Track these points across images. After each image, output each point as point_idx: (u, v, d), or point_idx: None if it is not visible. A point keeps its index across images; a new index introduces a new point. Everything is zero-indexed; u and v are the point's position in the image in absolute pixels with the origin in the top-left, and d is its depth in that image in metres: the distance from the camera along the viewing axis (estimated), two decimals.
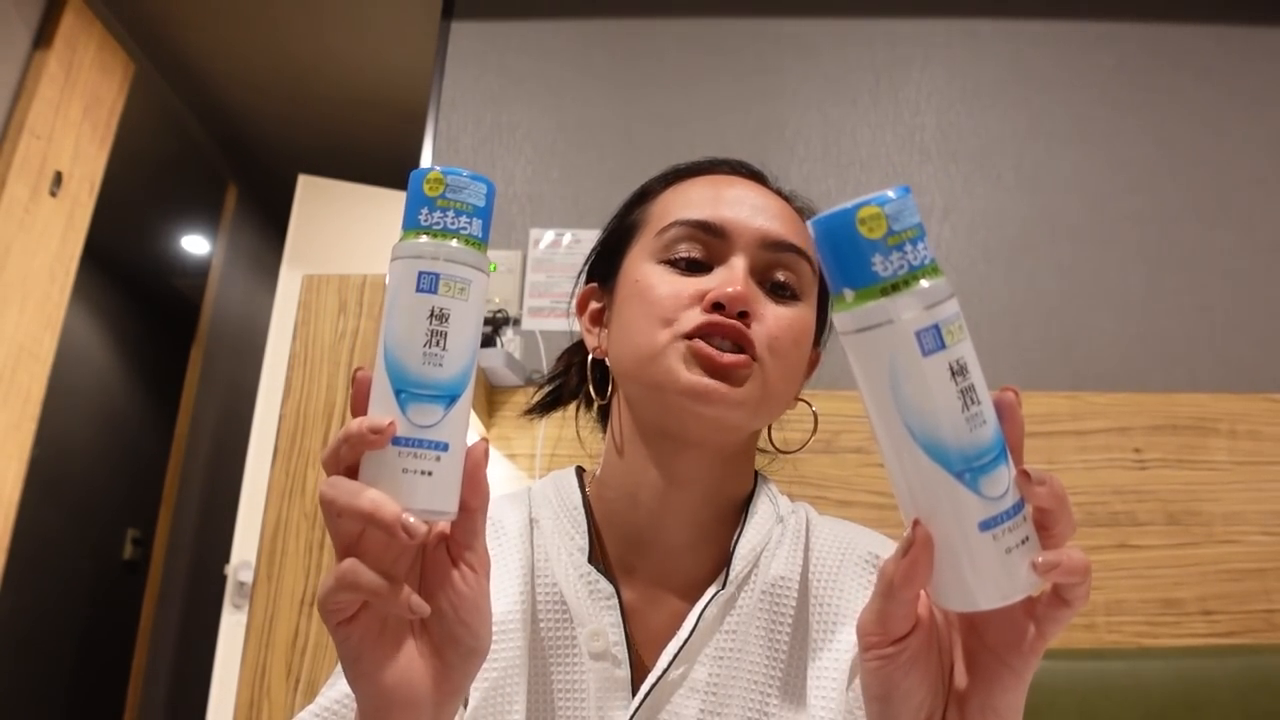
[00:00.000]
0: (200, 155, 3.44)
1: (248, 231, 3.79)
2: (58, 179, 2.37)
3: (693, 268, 0.72)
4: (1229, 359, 1.88)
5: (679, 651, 0.69)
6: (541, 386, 0.87)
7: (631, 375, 0.72)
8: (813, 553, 0.74)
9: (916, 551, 0.43)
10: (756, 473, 0.80)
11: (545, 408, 0.86)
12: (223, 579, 2.63)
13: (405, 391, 0.48)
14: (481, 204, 0.50)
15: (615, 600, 0.71)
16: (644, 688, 0.68)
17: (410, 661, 0.50)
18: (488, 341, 1.86)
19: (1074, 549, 0.44)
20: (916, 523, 0.43)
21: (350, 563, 0.48)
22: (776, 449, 0.83)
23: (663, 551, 0.73)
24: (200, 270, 3.72)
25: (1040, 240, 1.99)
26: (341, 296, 1.39)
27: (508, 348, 1.86)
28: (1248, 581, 1.71)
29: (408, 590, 0.48)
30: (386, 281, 0.50)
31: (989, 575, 0.42)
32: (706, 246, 0.73)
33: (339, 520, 0.47)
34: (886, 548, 0.74)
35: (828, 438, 1.80)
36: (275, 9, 2.76)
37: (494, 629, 0.69)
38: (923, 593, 0.46)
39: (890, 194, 0.42)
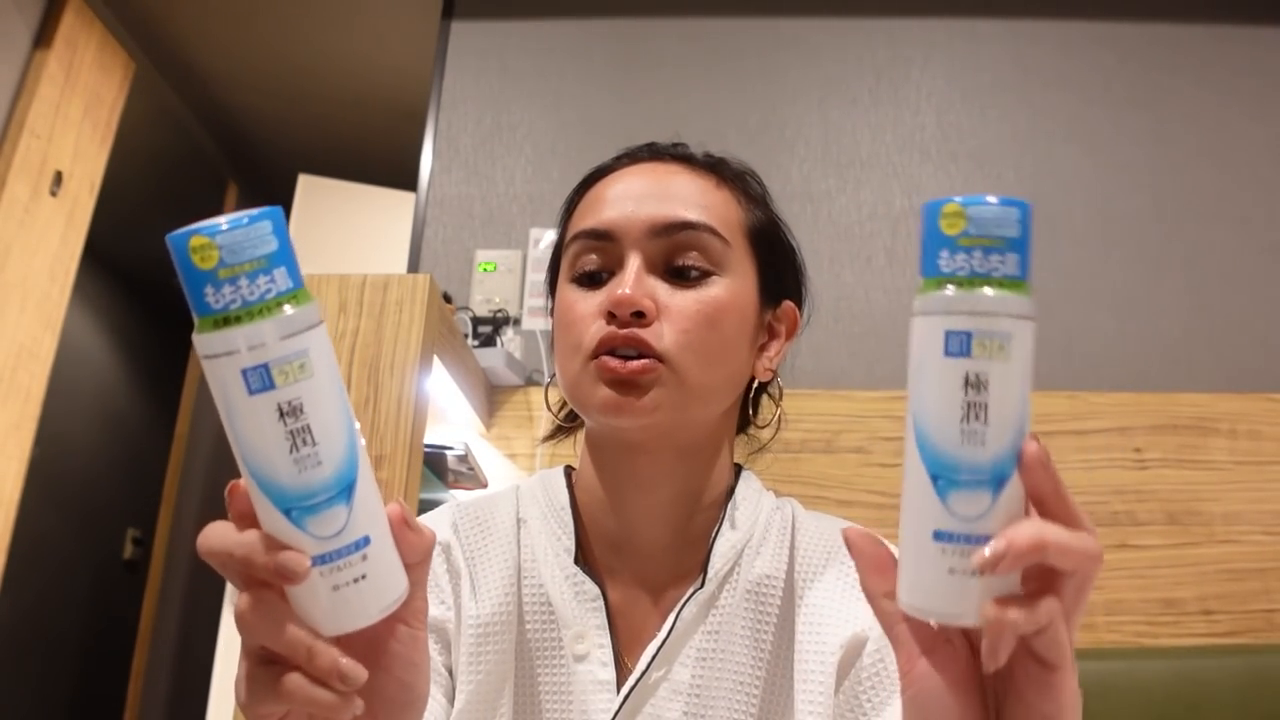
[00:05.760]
0: (200, 155, 3.44)
1: None
2: (58, 179, 2.37)
3: (595, 280, 0.72)
4: (1229, 359, 1.88)
5: (657, 653, 0.68)
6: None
7: (569, 401, 0.73)
8: (798, 550, 0.73)
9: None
10: (739, 467, 0.79)
11: (559, 432, 0.86)
12: (223, 579, 2.62)
13: (295, 510, 0.40)
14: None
15: (601, 602, 0.71)
16: (624, 690, 0.67)
17: None
18: (488, 341, 1.86)
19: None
20: None
21: (292, 681, 0.42)
22: (758, 428, 0.81)
23: (640, 553, 0.73)
24: None
25: (1040, 240, 1.97)
26: (342, 296, 1.38)
27: (508, 347, 1.85)
28: (1248, 581, 1.71)
29: (357, 702, 0.42)
30: (212, 387, 0.41)
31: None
32: (603, 253, 0.72)
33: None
34: None
35: (828, 437, 1.79)
36: (275, 9, 2.76)
37: (481, 631, 0.69)
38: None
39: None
